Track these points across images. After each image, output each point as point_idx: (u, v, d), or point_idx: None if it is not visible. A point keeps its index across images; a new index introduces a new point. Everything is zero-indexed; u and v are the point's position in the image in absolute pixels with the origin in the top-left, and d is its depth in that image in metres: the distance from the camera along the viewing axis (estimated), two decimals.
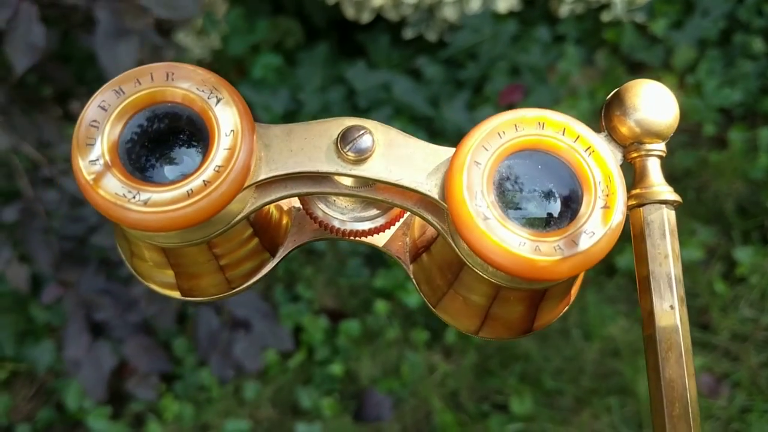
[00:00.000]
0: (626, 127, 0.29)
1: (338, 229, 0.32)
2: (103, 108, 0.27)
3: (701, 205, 1.27)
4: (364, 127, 0.28)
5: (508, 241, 0.26)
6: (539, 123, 0.28)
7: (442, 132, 1.25)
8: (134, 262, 0.33)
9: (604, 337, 1.15)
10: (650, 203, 0.29)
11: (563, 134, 0.28)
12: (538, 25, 1.34)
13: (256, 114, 1.23)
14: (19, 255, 0.94)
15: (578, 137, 0.28)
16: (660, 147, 0.30)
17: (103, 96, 0.28)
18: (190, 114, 0.28)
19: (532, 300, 0.31)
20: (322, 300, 1.18)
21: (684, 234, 1.23)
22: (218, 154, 0.26)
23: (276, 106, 1.23)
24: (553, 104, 1.33)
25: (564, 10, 1.31)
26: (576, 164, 0.28)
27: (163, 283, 0.33)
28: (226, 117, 0.27)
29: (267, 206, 0.31)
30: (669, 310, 0.28)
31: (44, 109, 1.05)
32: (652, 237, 0.29)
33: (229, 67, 1.30)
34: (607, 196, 0.27)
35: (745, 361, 1.14)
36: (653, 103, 0.30)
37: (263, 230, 0.32)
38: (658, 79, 1.14)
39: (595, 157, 0.28)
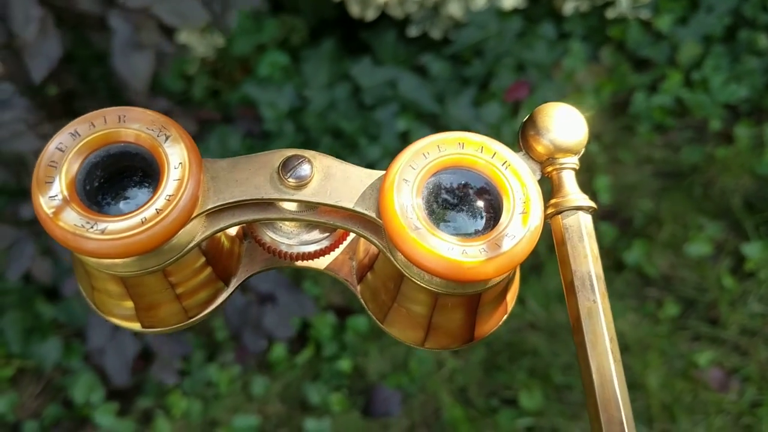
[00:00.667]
0: (541, 146, 0.32)
1: (286, 252, 0.33)
2: (60, 149, 0.29)
3: (708, 201, 1.26)
4: (302, 156, 0.30)
5: (437, 247, 0.28)
6: (459, 143, 0.31)
7: (448, 129, 1.25)
8: (95, 297, 0.34)
9: None
10: (566, 210, 0.32)
11: (481, 152, 0.31)
12: (543, 22, 1.34)
13: (262, 112, 1.23)
14: (42, 249, 0.94)
15: (495, 153, 0.31)
16: (573, 160, 0.33)
17: (60, 138, 0.30)
18: (142, 152, 0.30)
19: (469, 306, 0.32)
20: (329, 296, 1.18)
21: (692, 229, 1.23)
22: (168, 184, 0.29)
23: (281, 104, 1.23)
24: (559, 100, 1.33)
25: (568, 7, 1.31)
26: (494, 177, 0.30)
27: (123, 316, 0.34)
28: (175, 152, 0.29)
29: (219, 237, 0.33)
30: (592, 303, 0.30)
31: (52, 110, 1.05)
32: (572, 240, 0.31)
33: (233, 65, 1.30)
34: (524, 202, 0.30)
35: (755, 356, 1.14)
36: (563, 123, 0.32)
37: (216, 259, 0.33)
38: (663, 75, 1.14)
39: (510, 169, 0.30)
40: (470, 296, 0.32)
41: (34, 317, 1.05)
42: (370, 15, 1.23)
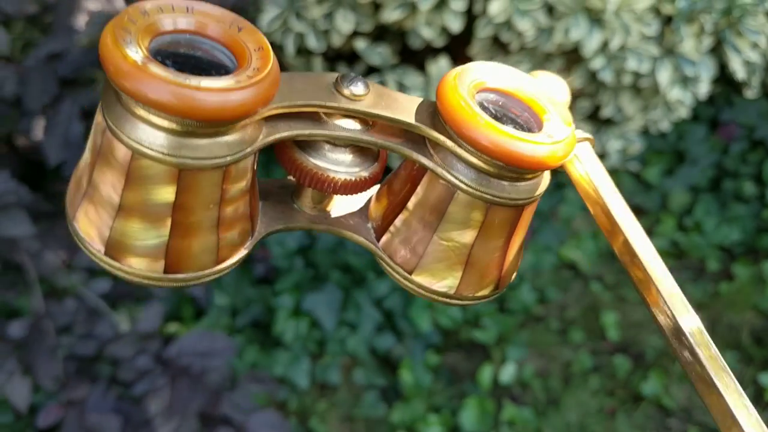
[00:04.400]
0: None
1: (331, 178, 0.33)
2: (132, 21, 0.28)
3: (717, 336, 1.26)
4: (356, 75, 0.32)
5: (502, 126, 0.31)
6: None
7: None
8: (117, 226, 0.30)
9: None
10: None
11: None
12: None
13: (271, 248, 1.23)
14: (24, 370, 0.88)
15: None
16: None
17: (130, 11, 0.28)
18: (214, 44, 0.30)
19: (509, 227, 0.34)
20: None
21: None
22: (253, 61, 0.29)
23: (290, 241, 1.25)
24: (558, 244, 1.37)
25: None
26: (529, 101, 0.34)
27: (147, 252, 0.30)
28: (252, 39, 0.29)
29: (253, 178, 0.32)
30: (626, 211, 0.36)
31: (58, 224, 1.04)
32: (583, 165, 0.36)
33: None
34: (560, 114, 0.33)
35: None
36: (549, 85, 0.37)
37: (252, 189, 0.33)
38: (657, 219, 1.20)
39: (527, 99, 0.34)
40: (514, 212, 0.33)
41: None
42: None
